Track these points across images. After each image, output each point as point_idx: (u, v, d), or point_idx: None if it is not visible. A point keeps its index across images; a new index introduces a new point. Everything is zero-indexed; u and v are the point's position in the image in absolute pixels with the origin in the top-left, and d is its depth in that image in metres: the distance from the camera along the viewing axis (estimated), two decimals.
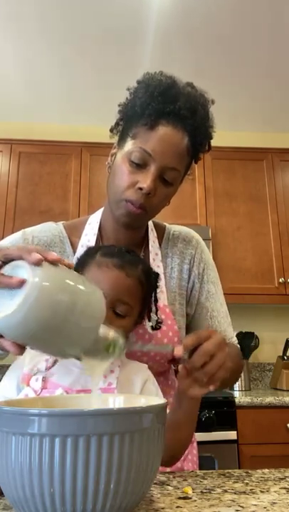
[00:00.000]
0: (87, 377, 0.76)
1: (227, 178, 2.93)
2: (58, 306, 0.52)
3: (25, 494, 0.44)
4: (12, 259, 0.56)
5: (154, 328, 0.86)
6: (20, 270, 0.53)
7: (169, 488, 0.63)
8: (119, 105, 0.92)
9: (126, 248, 0.83)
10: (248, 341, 2.72)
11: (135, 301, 0.77)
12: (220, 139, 1.13)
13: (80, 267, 0.79)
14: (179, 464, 0.93)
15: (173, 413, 0.71)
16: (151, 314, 0.85)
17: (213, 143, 0.94)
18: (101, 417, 0.45)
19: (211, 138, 0.92)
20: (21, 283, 0.51)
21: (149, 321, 0.85)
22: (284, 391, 2.57)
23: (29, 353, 0.79)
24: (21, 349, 0.57)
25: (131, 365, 0.80)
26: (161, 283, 0.91)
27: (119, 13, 2.25)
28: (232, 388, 2.62)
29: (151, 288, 0.83)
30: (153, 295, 0.85)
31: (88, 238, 0.94)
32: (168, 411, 0.59)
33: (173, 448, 0.72)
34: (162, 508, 0.54)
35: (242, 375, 2.53)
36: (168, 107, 0.82)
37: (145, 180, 0.82)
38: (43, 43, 2.48)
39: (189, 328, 0.99)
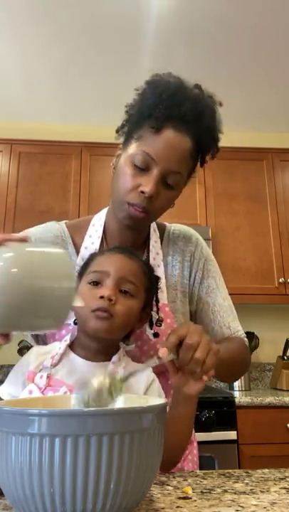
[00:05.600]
0: (92, 376, 0.76)
1: (227, 178, 2.92)
2: (16, 280, 0.51)
3: (25, 494, 0.44)
4: None
5: (155, 335, 0.86)
6: None
7: (169, 488, 0.63)
8: (126, 106, 0.91)
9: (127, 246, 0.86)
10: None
11: (140, 284, 0.78)
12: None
13: (85, 267, 0.82)
14: (179, 464, 0.93)
15: (170, 413, 0.70)
16: (152, 312, 0.86)
17: None
18: (101, 417, 0.45)
19: (218, 141, 0.91)
20: None
21: (151, 328, 0.86)
22: (284, 391, 2.57)
23: (34, 351, 0.79)
24: (4, 337, 0.58)
25: (134, 369, 0.79)
26: (161, 282, 0.92)
27: (119, 13, 2.25)
28: (232, 388, 2.63)
29: (153, 284, 0.84)
30: (155, 297, 0.85)
31: (92, 240, 0.94)
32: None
33: (171, 450, 0.71)
34: (162, 508, 0.54)
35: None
36: (174, 110, 0.82)
37: (147, 184, 0.82)
38: (42, 43, 2.48)
39: None
